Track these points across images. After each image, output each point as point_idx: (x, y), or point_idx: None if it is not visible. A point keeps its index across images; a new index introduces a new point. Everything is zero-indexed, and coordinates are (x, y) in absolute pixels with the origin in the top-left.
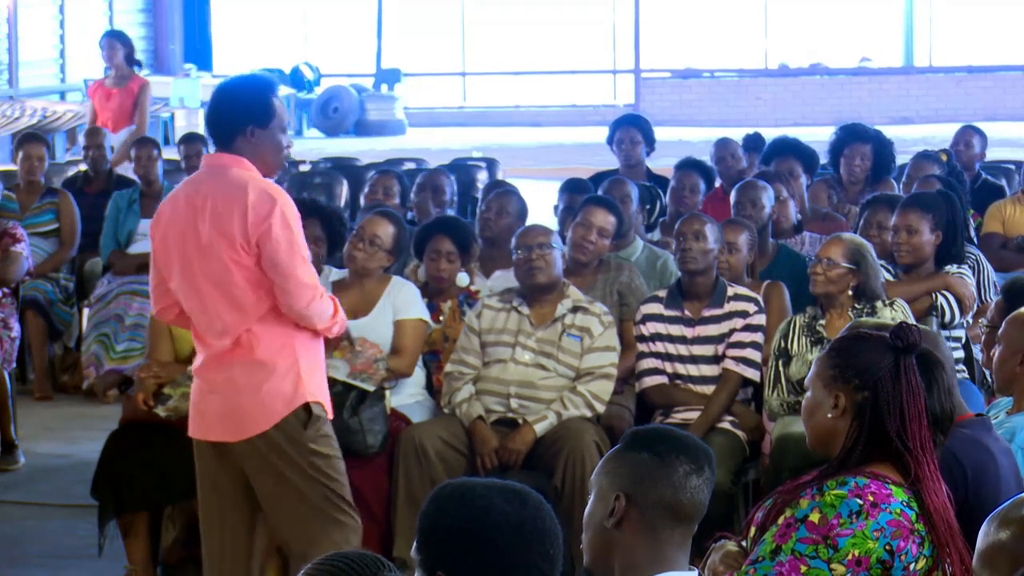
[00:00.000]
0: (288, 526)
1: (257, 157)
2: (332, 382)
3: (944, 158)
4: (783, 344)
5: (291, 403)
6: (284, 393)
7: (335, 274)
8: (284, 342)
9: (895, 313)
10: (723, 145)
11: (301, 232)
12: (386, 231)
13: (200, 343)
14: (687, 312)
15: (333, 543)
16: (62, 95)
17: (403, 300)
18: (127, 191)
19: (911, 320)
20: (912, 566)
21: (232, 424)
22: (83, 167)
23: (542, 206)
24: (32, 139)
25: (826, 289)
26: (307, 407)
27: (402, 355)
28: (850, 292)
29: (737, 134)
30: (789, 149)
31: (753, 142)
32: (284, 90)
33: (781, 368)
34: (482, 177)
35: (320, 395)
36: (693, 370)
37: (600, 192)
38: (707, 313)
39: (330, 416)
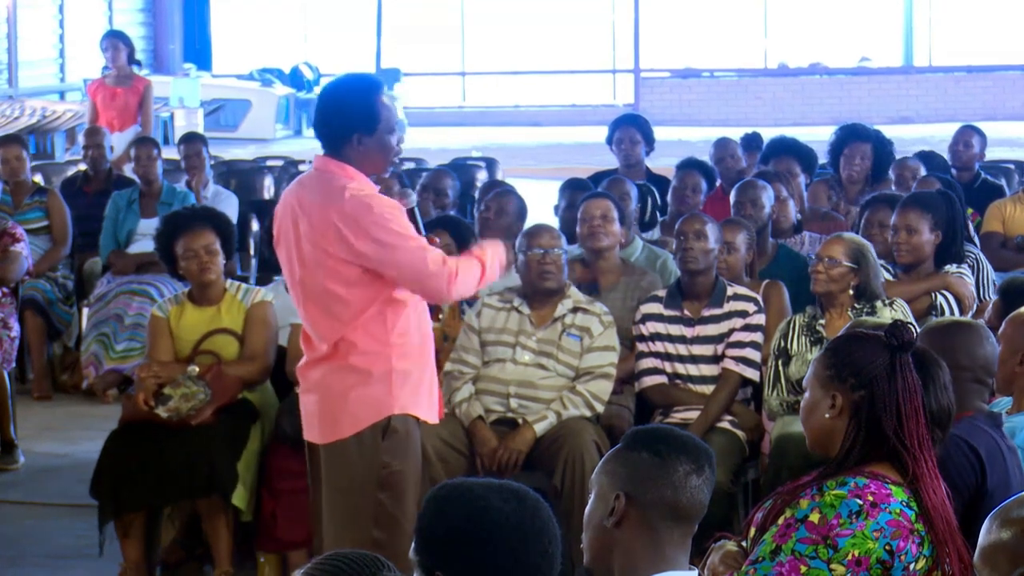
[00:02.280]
0: (330, 536)
1: (366, 161)
2: None
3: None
4: (783, 344)
5: (378, 412)
6: (372, 401)
7: None
8: (379, 350)
9: (895, 313)
10: (723, 145)
11: (406, 225)
12: None
13: (305, 344)
14: (687, 312)
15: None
16: (62, 95)
17: None
18: (126, 191)
19: (911, 319)
20: (912, 566)
21: (319, 426)
22: (82, 166)
23: (542, 206)
24: (6, 141)
25: (827, 288)
26: (390, 420)
27: None
28: (850, 291)
29: (737, 134)
30: (787, 149)
31: (751, 142)
32: (283, 89)
33: (781, 368)
34: (481, 177)
35: (414, 406)
36: (693, 370)
37: (605, 191)
38: (707, 313)
39: (434, 420)
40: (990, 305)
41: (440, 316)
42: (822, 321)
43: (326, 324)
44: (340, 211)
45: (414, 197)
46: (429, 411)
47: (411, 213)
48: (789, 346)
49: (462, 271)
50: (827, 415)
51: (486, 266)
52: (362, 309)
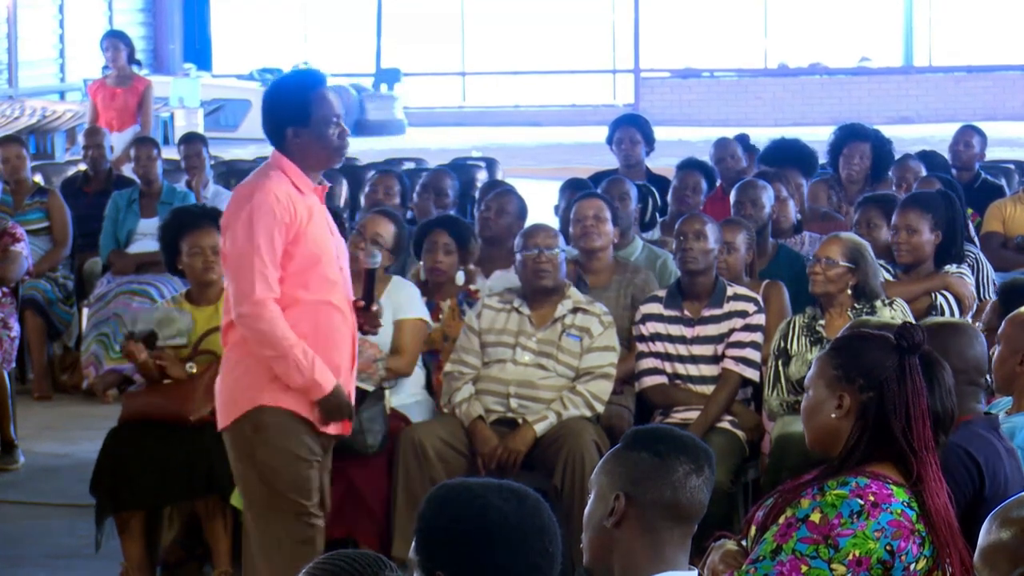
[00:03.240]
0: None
1: (307, 155)
2: None
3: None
4: (783, 344)
5: (249, 401)
6: (243, 390)
7: None
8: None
9: (894, 312)
10: (722, 145)
11: (269, 245)
12: (387, 230)
13: None
14: (686, 312)
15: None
16: (62, 95)
17: (403, 300)
18: (127, 191)
19: (910, 319)
20: (912, 566)
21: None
22: (82, 167)
23: (542, 206)
24: (5, 141)
25: (825, 288)
26: (260, 411)
27: (402, 355)
28: (849, 291)
29: (736, 134)
30: (786, 156)
31: (742, 143)
32: None
33: (781, 368)
34: (482, 177)
35: (288, 401)
36: (693, 370)
37: (599, 191)
38: (707, 313)
39: (326, 430)
40: (988, 305)
41: (440, 316)
42: (822, 321)
43: (226, 306)
44: (239, 188)
45: (378, 259)
46: (308, 409)
47: (369, 274)
48: (789, 346)
49: (277, 330)
50: (833, 415)
51: (294, 349)
52: None
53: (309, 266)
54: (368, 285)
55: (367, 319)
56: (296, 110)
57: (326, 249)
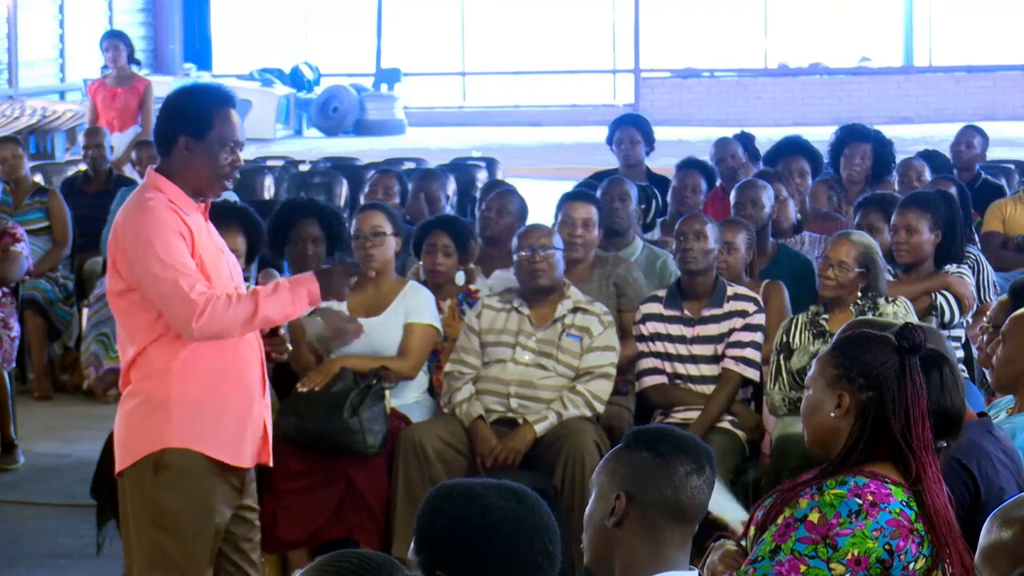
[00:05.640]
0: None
1: (190, 171)
2: (332, 381)
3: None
4: (784, 339)
5: (150, 445)
6: (146, 431)
7: None
8: (160, 376)
9: (897, 308)
10: (723, 145)
11: (178, 247)
12: (380, 219)
13: None
14: (687, 312)
15: None
16: (62, 95)
17: (416, 304)
18: (132, 188)
19: (913, 315)
20: (911, 566)
21: (116, 455)
22: (83, 167)
23: (542, 206)
24: (2, 141)
25: (836, 294)
26: (163, 453)
27: (407, 357)
28: (858, 293)
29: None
30: (799, 148)
31: (744, 142)
32: (283, 89)
33: (782, 362)
34: (482, 177)
35: (198, 441)
36: (693, 370)
37: (599, 191)
38: (707, 313)
39: (242, 464)
40: (995, 304)
41: (440, 316)
42: (825, 316)
43: (124, 344)
44: (123, 224)
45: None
46: (233, 451)
47: None
48: (791, 340)
49: (216, 308)
50: (832, 414)
51: (259, 303)
52: (147, 330)
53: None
54: None
55: (272, 345)
56: (195, 120)
57: (218, 267)
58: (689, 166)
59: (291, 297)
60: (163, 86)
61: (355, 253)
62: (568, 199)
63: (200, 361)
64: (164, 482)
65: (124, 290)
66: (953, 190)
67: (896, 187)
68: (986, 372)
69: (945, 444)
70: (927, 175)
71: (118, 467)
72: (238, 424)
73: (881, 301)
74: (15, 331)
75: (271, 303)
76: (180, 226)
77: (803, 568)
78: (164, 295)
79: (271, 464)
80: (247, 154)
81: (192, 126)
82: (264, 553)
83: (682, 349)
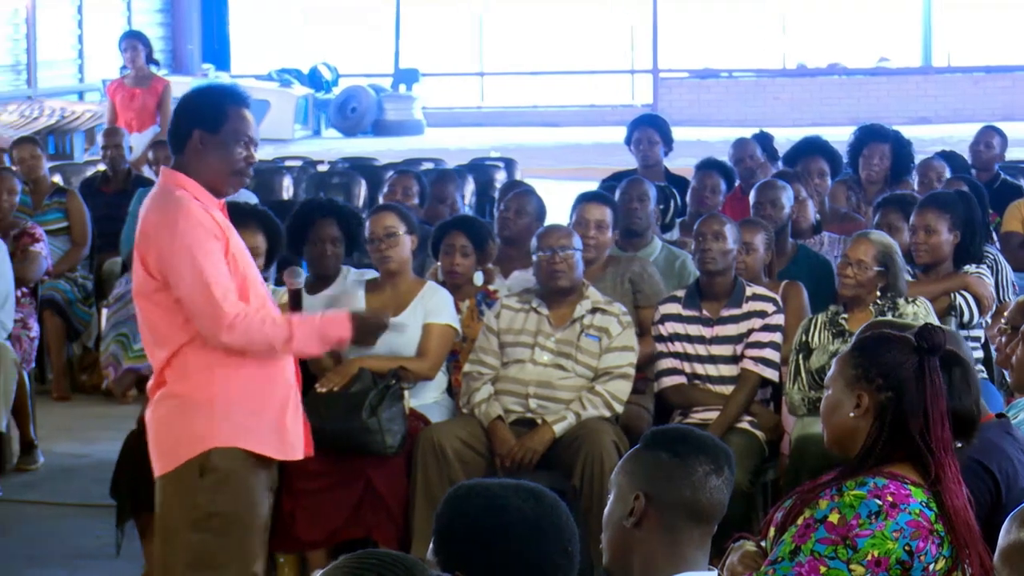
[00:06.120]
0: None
1: (204, 167)
2: (350, 382)
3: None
4: (804, 338)
5: (193, 448)
6: (189, 434)
7: (353, 274)
8: (200, 376)
9: (917, 309)
10: (741, 145)
11: (214, 252)
12: (392, 219)
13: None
14: (705, 312)
15: None
16: (80, 95)
17: (435, 304)
18: (149, 188)
19: (933, 316)
20: (931, 567)
21: (154, 458)
22: (101, 167)
23: (560, 206)
24: (20, 142)
25: (855, 292)
26: (209, 455)
27: (425, 358)
28: (877, 292)
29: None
30: (818, 149)
31: (763, 142)
32: (302, 90)
33: (801, 362)
34: (500, 177)
35: (244, 439)
36: (712, 370)
37: (618, 192)
38: (725, 313)
39: (287, 456)
40: (1013, 304)
41: (458, 317)
42: (845, 315)
43: (152, 347)
44: (157, 224)
45: (302, 279)
46: (277, 445)
47: (294, 295)
48: (811, 339)
49: (250, 325)
50: (851, 414)
51: (294, 335)
52: (181, 331)
53: (241, 281)
54: (294, 307)
55: None
56: (210, 115)
57: (250, 266)
58: (708, 167)
59: (319, 340)
60: (181, 86)
61: (371, 256)
62: (583, 200)
63: (242, 359)
64: (211, 484)
65: (154, 290)
66: (965, 189)
67: (916, 187)
68: (1005, 373)
69: (960, 446)
70: (947, 175)
71: (158, 471)
72: (279, 417)
73: (901, 301)
74: (34, 331)
75: (304, 338)
76: (214, 227)
77: (823, 569)
78: (194, 300)
79: (312, 454)
80: (266, 154)
81: (206, 120)
82: (283, 553)
83: (701, 349)
